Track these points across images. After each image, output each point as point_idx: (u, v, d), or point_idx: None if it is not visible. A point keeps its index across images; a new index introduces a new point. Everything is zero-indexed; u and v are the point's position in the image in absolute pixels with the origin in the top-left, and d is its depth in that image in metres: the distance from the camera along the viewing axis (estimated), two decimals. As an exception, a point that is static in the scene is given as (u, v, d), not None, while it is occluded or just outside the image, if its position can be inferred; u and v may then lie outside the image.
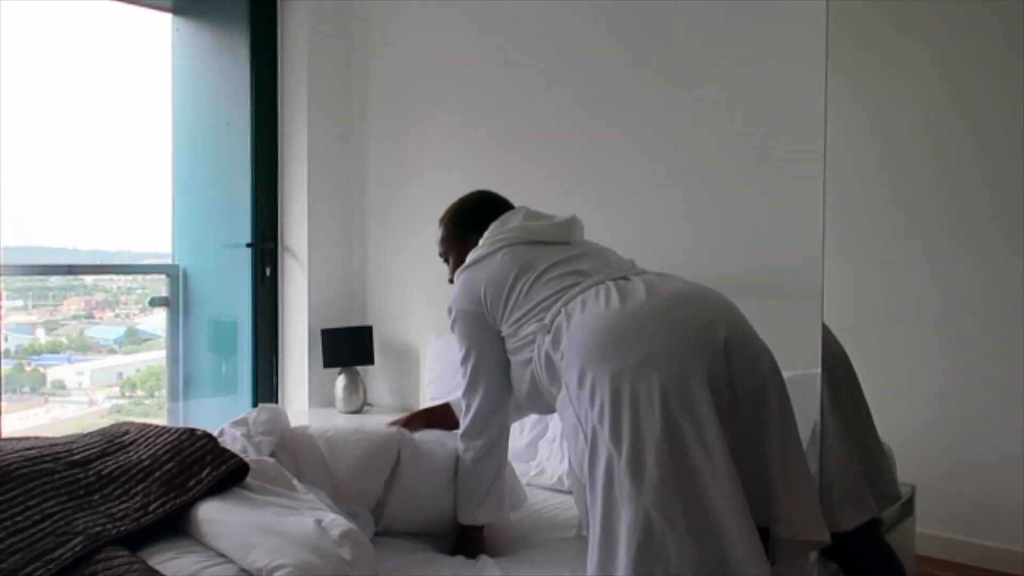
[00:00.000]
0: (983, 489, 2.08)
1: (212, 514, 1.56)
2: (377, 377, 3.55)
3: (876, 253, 2.20)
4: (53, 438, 1.83)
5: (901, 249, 2.18)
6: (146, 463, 1.66)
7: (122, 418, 3.67)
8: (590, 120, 2.88)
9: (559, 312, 1.72)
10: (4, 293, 3.29)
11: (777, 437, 1.57)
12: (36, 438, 1.83)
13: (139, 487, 1.61)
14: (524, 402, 1.92)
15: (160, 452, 1.69)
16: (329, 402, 3.48)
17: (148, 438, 1.76)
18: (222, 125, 3.63)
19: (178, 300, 3.59)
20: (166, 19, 3.63)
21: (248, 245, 3.57)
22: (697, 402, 1.49)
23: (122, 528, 1.50)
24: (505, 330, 1.85)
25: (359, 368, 3.43)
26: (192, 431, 1.77)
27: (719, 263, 2.51)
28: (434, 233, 3.39)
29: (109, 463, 1.67)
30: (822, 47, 2.10)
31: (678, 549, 1.44)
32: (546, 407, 1.89)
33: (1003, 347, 2.01)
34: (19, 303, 3.52)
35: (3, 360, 3.23)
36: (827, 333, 2.03)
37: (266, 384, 3.63)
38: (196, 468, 1.63)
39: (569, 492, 2.26)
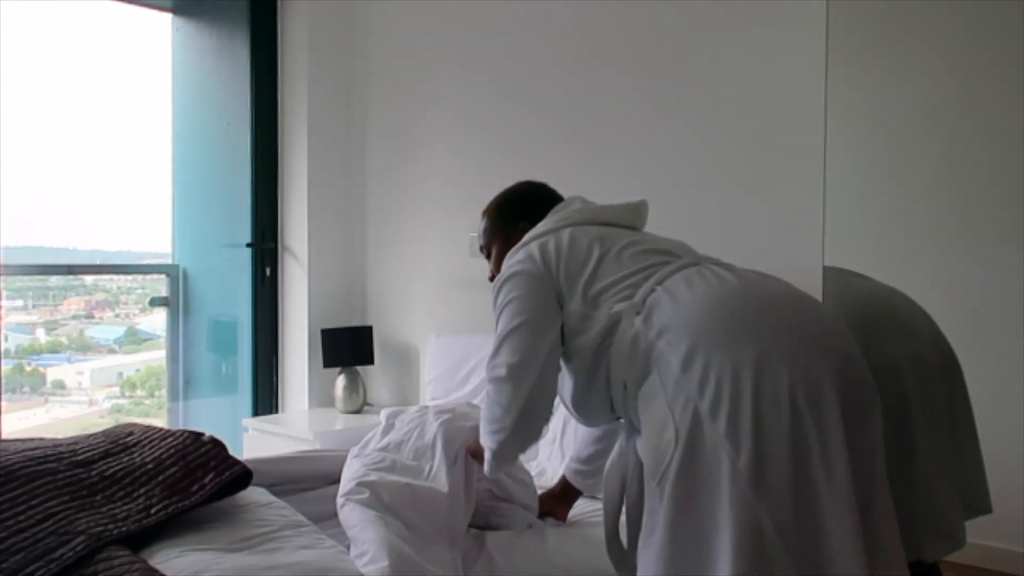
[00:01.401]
0: (983, 489, 2.08)
1: None
2: (377, 377, 3.55)
3: (876, 253, 2.20)
4: (56, 439, 1.84)
5: (901, 249, 2.18)
6: (150, 466, 1.66)
7: (122, 418, 3.67)
8: (590, 120, 2.88)
9: (652, 290, 1.50)
10: (4, 293, 3.29)
11: (880, 469, 1.41)
12: (40, 439, 1.83)
13: (142, 489, 1.61)
14: (573, 402, 1.65)
15: (164, 455, 1.69)
16: (329, 402, 3.49)
17: (152, 440, 1.76)
18: (222, 125, 3.63)
19: (178, 300, 3.59)
20: (166, 19, 3.63)
21: (248, 245, 3.57)
22: (826, 412, 1.33)
23: (124, 529, 1.50)
24: (575, 308, 1.58)
25: (359, 368, 3.43)
26: (198, 435, 1.77)
27: (719, 263, 2.50)
28: (434, 233, 3.42)
29: (112, 464, 1.67)
30: (822, 47, 2.10)
31: (785, 565, 1.30)
32: (595, 412, 1.64)
33: (1003, 347, 2.01)
34: (19, 303, 3.52)
35: (3, 360, 3.23)
36: (928, 327, 1.90)
37: (266, 384, 3.63)
38: (200, 473, 1.63)
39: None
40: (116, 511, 1.54)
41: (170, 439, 1.75)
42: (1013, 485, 1.99)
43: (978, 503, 1.89)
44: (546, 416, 1.65)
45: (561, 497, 2.10)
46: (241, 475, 1.65)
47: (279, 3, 3.57)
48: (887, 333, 1.97)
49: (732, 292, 1.47)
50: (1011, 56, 1.92)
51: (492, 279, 1.79)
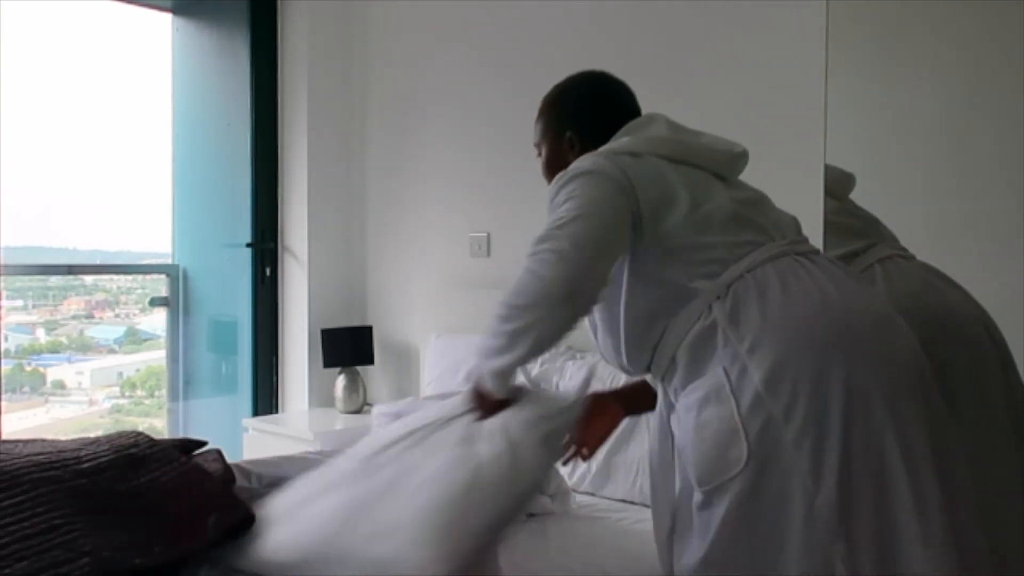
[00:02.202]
0: (983, 489, 2.07)
1: None
2: (377, 377, 3.55)
3: (876, 253, 2.20)
4: (60, 442, 1.83)
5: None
6: (156, 494, 1.65)
7: (122, 418, 3.68)
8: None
9: (741, 276, 1.35)
10: (4, 293, 3.29)
11: (971, 498, 1.33)
12: (42, 440, 1.83)
13: (146, 522, 1.59)
14: (606, 343, 1.49)
15: (170, 486, 1.68)
16: (329, 402, 3.48)
17: (158, 460, 1.74)
18: (222, 125, 3.63)
19: (178, 300, 3.59)
20: (166, 19, 3.63)
21: (248, 245, 3.57)
22: (917, 451, 1.25)
23: (126, 563, 1.49)
24: (647, 250, 1.40)
25: (359, 368, 3.43)
26: (203, 469, 1.76)
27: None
28: (434, 233, 3.42)
29: (117, 482, 1.66)
30: (822, 46, 2.10)
31: None
32: (630, 360, 1.46)
33: (1009, 346, 2.01)
34: (19, 303, 3.52)
35: (3, 360, 3.23)
36: (976, 313, 1.74)
37: (266, 384, 3.63)
38: (203, 512, 1.62)
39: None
40: (120, 537, 1.53)
41: (175, 464, 1.74)
42: (1013, 485, 1.98)
43: None
44: (589, 308, 1.44)
45: (624, 399, 1.65)
46: (243, 519, 1.65)
47: (279, 3, 3.56)
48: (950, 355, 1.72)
49: (829, 307, 1.33)
50: (1015, 53, 1.92)
51: (548, 175, 1.58)
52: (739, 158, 1.55)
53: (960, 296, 1.82)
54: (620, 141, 1.50)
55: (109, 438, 1.83)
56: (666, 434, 1.46)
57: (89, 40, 3.39)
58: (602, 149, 1.49)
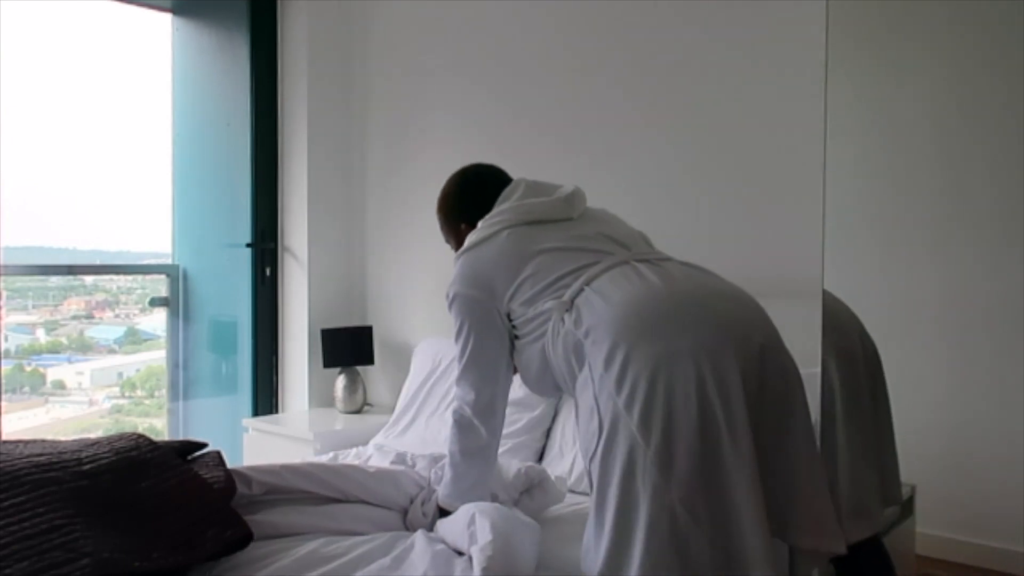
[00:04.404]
0: (983, 489, 2.08)
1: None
2: (377, 377, 3.55)
3: (876, 253, 2.20)
4: (60, 443, 1.83)
5: (901, 249, 2.18)
6: (155, 504, 1.65)
7: (122, 418, 3.68)
8: (589, 120, 2.88)
9: (581, 289, 1.65)
10: (4, 293, 3.29)
11: (802, 449, 1.56)
12: (43, 441, 1.83)
13: (145, 527, 1.60)
14: (533, 384, 1.86)
15: (169, 495, 1.68)
16: (329, 402, 3.49)
17: (158, 466, 1.74)
18: (222, 125, 3.63)
19: (178, 300, 3.59)
20: (166, 19, 3.63)
21: (248, 245, 3.57)
22: (733, 400, 1.46)
23: (125, 567, 1.50)
24: (515, 310, 1.78)
25: (359, 368, 3.43)
26: (202, 479, 1.76)
27: (718, 262, 2.49)
28: (434, 233, 3.40)
29: (117, 484, 1.66)
30: (822, 48, 2.10)
31: (698, 546, 1.42)
32: (553, 389, 1.83)
33: (1004, 347, 2.01)
34: (19, 303, 3.52)
35: (3, 360, 3.23)
36: (854, 324, 2.02)
37: (266, 384, 3.63)
38: (202, 525, 1.63)
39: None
40: (120, 540, 1.53)
41: (175, 470, 1.74)
42: (1013, 485, 1.99)
43: (893, 494, 2.09)
44: (506, 393, 1.89)
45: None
46: (242, 537, 1.65)
47: (279, 3, 3.56)
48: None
49: (652, 292, 1.59)
50: (1010, 56, 1.92)
51: None
52: (570, 198, 1.87)
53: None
54: (483, 222, 1.86)
55: (109, 440, 1.83)
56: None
57: (89, 40, 3.39)
58: (469, 240, 1.86)
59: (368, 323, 3.59)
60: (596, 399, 1.53)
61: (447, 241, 2.10)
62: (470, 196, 1.98)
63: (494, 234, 1.82)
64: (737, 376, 1.47)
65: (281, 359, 3.63)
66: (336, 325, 3.48)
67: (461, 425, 1.87)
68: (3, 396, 3.10)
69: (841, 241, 2.14)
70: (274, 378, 3.64)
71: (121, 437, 1.85)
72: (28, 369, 3.55)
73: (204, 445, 2.00)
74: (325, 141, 3.55)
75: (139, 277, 3.82)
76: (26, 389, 3.53)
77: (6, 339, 3.38)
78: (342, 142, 3.60)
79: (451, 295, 1.86)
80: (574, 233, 1.78)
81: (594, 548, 1.50)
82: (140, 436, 1.86)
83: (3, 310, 3.30)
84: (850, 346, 2.10)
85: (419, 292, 3.41)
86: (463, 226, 1.97)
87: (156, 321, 3.71)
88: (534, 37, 3.02)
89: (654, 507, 1.43)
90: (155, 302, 3.60)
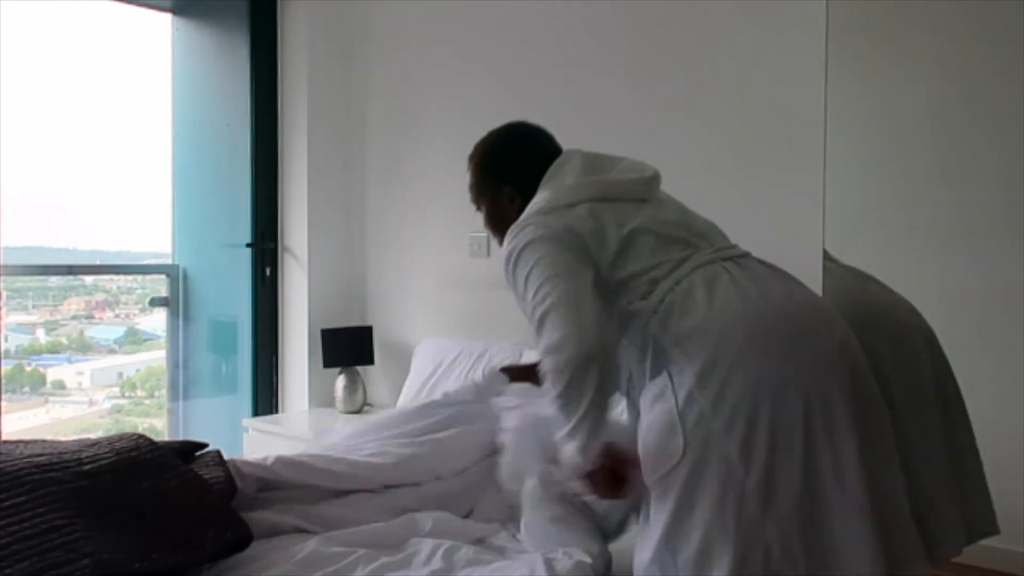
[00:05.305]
0: (983, 489, 2.08)
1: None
2: (377, 377, 3.55)
3: (876, 253, 2.20)
4: (61, 443, 1.83)
5: (902, 248, 2.18)
6: (155, 505, 1.65)
7: (122, 418, 3.68)
8: (589, 120, 2.87)
9: (671, 289, 1.49)
10: (4, 293, 3.29)
11: (897, 479, 1.45)
12: (43, 442, 1.83)
13: (144, 527, 1.60)
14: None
15: (169, 496, 1.68)
16: (329, 402, 3.49)
17: (158, 467, 1.74)
18: (222, 125, 3.63)
19: (178, 300, 3.59)
20: (166, 19, 3.63)
21: (248, 245, 3.57)
22: (840, 431, 1.36)
23: (125, 567, 1.50)
24: (609, 274, 1.53)
25: (359, 368, 3.43)
26: (202, 480, 1.76)
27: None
28: (434, 233, 3.42)
29: (118, 485, 1.66)
30: (822, 47, 2.10)
31: None
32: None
33: (1004, 347, 2.01)
34: (19, 303, 3.52)
35: (3, 360, 3.23)
36: (915, 318, 1.89)
37: (266, 384, 3.63)
38: (202, 526, 1.63)
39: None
40: (120, 541, 1.53)
41: (175, 471, 1.74)
42: (1013, 485, 1.99)
43: (982, 525, 1.85)
44: (609, 351, 1.53)
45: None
46: (241, 539, 1.65)
47: (279, 3, 3.56)
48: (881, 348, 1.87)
49: (749, 304, 1.46)
50: (1011, 56, 1.92)
51: (492, 231, 1.78)
52: (652, 181, 1.67)
53: (879, 288, 2.01)
54: (554, 194, 1.61)
55: (110, 440, 1.84)
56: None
57: (89, 40, 3.39)
58: (543, 206, 1.59)
59: (368, 323, 3.59)
60: (680, 416, 1.39)
61: (475, 201, 1.82)
62: (524, 155, 1.74)
63: (571, 205, 1.57)
64: (846, 403, 1.37)
65: (281, 359, 3.63)
66: (336, 325, 3.48)
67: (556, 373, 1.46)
68: (3, 396, 3.10)
69: (841, 240, 2.14)
70: (274, 378, 3.64)
71: (121, 437, 1.85)
72: (28, 369, 3.55)
73: (204, 445, 2.00)
74: (325, 141, 3.55)
75: (139, 277, 3.82)
76: (26, 389, 3.53)
77: (6, 339, 3.38)
78: (342, 142, 3.60)
79: (523, 242, 1.54)
80: (659, 218, 1.59)
81: (666, 567, 1.40)
82: (140, 436, 1.86)
83: (3, 310, 3.30)
84: (914, 373, 1.91)
85: (419, 292, 3.41)
86: (507, 188, 1.72)
87: (156, 321, 3.71)
88: (534, 37, 3.02)
89: (746, 542, 1.33)
90: (155, 302, 3.60)
